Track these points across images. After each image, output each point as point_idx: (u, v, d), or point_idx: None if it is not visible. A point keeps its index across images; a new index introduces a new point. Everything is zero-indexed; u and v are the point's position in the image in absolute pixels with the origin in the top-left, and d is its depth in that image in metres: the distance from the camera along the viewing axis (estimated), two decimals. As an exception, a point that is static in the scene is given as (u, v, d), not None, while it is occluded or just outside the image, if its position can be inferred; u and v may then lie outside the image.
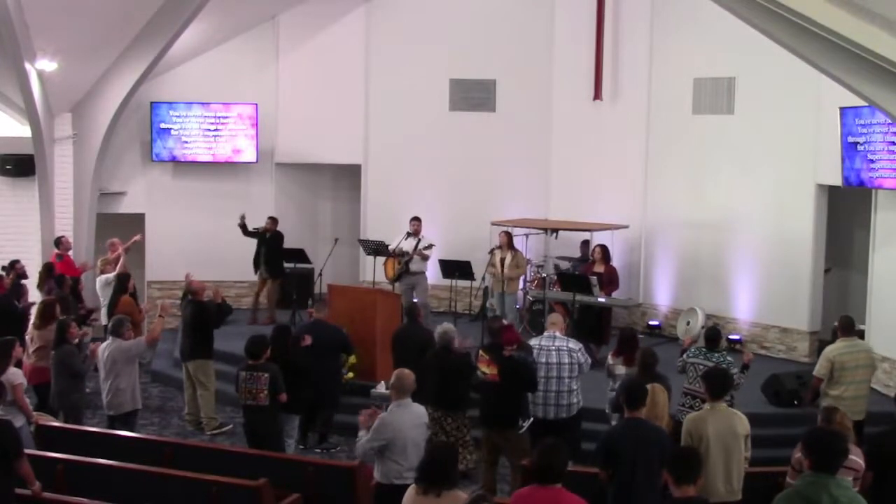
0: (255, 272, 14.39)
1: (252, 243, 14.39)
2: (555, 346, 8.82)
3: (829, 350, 9.05)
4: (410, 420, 6.88)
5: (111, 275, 12.04)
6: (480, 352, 8.83)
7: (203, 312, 10.83)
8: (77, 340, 9.62)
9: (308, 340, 9.79)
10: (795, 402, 10.55)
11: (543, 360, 8.74)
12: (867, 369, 9.04)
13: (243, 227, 14.18)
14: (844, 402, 8.63)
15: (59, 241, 13.06)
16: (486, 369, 8.45)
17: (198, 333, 10.84)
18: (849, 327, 9.13)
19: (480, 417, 8.77)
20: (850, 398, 8.83)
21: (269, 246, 14.25)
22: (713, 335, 9.00)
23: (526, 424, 8.54)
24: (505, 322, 10.06)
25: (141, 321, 11.68)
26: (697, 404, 8.35)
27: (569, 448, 8.25)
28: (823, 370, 8.95)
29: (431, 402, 9.17)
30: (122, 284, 11.59)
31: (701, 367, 8.63)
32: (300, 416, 9.65)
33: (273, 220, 14.38)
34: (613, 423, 8.27)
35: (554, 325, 9.07)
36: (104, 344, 9.33)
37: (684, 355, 8.96)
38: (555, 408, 8.73)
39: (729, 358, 8.84)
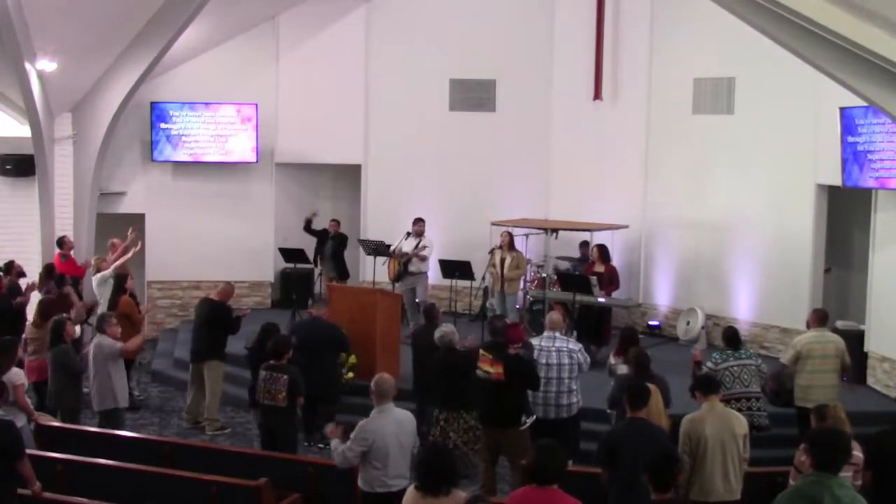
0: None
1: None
2: (555, 346, 8.82)
3: (798, 339, 9.34)
4: (393, 426, 6.67)
5: (107, 272, 12.03)
6: (481, 351, 8.79)
7: (217, 313, 10.82)
8: (70, 339, 9.62)
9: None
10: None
11: (544, 360, 8.74)
12: (833, 359, 9.15)
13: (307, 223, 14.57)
14: (813, 391, 8.95)
15: (61, 242, 13.04)
16: (490, 368, 8.33)
17: (212, 334, 10.82)
18: (822, 319, 9.39)
19: (480, 416, 8.76)
20: (818, 387, 9.01)
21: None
22: (731, 335, 9.07)
23: (529, 421, 8.52)
24: (508, 321, 10.03)
25: (140, 322, 11.66)
26: (756, 404, 8.74)
27: (568, 448, 8.35)
28: (789, 358, 9.23)
29: (438, 404, 9.18)
30: (120, 284, 11.57)
31: (736, 368, 8.79)
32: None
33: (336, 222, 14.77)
34: (613, 420, 8.30)
35: (554, 325, 9.06)
36: (93, 341, 9.38)
37: (706, 367, 8.69)
38: (555, 408, 8.76)
39: (751, 350, 9.16)
